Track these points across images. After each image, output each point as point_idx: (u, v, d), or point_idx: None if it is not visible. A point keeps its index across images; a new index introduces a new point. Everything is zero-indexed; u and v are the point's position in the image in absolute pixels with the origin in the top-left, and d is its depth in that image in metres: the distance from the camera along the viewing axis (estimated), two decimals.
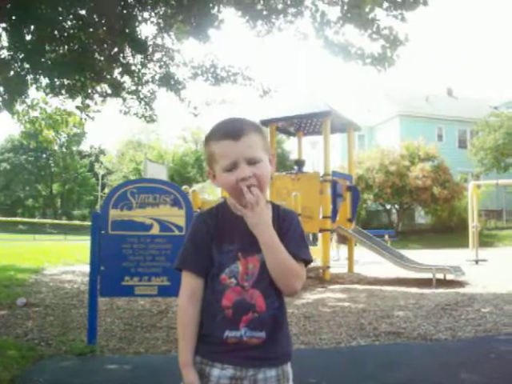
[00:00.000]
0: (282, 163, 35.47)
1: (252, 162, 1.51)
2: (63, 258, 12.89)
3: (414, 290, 8.23)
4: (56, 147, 51.78)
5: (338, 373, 3.70)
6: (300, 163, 11.19)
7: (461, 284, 8.94)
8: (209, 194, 13.10)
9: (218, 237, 1.56)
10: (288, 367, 1.59)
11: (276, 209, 1.62)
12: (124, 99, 9.97)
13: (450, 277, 9.34)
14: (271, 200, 1.66)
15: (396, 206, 29.89)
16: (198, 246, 1.56)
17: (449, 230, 27.81)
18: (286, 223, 1.58)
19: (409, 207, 30.18)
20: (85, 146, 61.96)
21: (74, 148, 57.33)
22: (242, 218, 1.52)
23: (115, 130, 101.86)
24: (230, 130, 1.52)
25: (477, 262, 13.79)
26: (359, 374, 3.69)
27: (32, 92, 9.79)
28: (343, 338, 4.82)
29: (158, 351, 4.30)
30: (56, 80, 9.13)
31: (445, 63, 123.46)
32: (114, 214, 4.28)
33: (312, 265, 10.33)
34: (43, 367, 3.79)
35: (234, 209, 1.56)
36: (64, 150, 55.10)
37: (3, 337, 4.55)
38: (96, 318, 4.38)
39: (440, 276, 9.24)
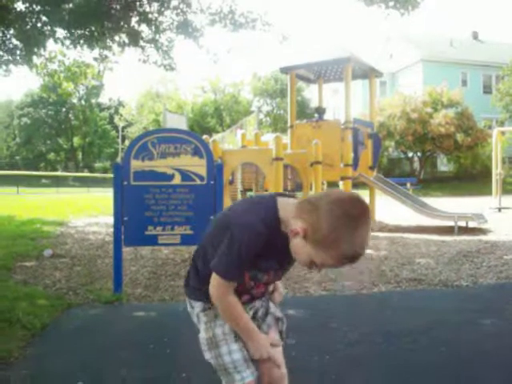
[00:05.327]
0: (302, 111, 35.07)
1: None
2: (87, 210, 13.10)
3: (435, 237, 8.21)
4: (75, 100, 51.89)
5: (359, 318, 3.75)
6: (321, 111, 11.03)
7: (483, 231, 8.90)
8: (229, 143, 13.05)
9: (259, 252, 1.58)
10: None
11: None
12: (142, 48, 9.85)
13: (472, 224, 9.30)
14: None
15: (418, 154, 29.53)
16: (246, 261, 1.58)
17: (472, 177, 27.50)
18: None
19: (431, 155, 29.80)
20: (104, 99, 61.94)
21: (93, 100, 57.31)
22: (284, 237, 1.54)
23: (133, 82, 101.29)
24: (361, 251, 1.45)
25: (500, 209, 13.68)
26: (380, 319, 3.74)
27: (49, 45, 9.75)
28: (365, 285, 4.86)
29: (183, 298, 4.38)
30: (73, 31, 9.04)
31: (470, 6, 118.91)
32: (136, 164, 4.30)
33: None
34: (72, 315, 3.91)
35: (283, 228, 1.55)
36: (83, 102, 55.15)
37: (32, 287, 4.68)
38: (121, 267, 4.48)
39: (462, 223, 9.19)
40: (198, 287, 1.75)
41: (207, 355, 1.74)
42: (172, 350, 3.09)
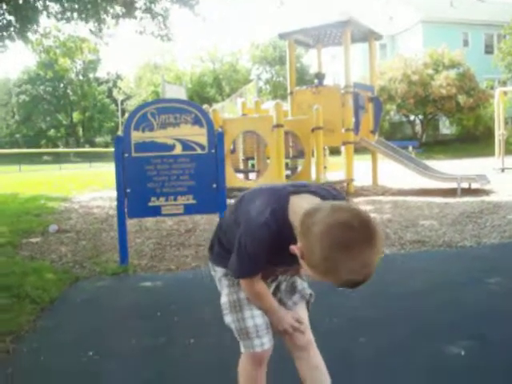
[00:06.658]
0: (302, 78, 34.74)
1: None
2: (90, 185, 13.12)
3: (438, 199, 8.21)
4: (73, 75, 51.42)
5: None
6: (320, 76, 10.93)
7: (486, 192, 8.89)
8: (229, 112, 12.96)
9: (269, 254, 1.55)
10: None
11: None
12: (138, 19, 9.71)
13: (475, 185, 9.29)
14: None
15: (420, 117, 29.35)
16: (258, 260, 1.56)
17: (474, 139, 27.39)
18: None
19: (433, 117, 29.63)
20: (101, 73, 61.31)
21: (91, 75, 56.76)
22: (292, 240, 1.42)
23: (131, 55, 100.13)
24: (363, 278, 1.30)
25: (503, 170, 13.65)
26: (385, 282, 3.75)
27: (44, 21, 9.63)
28: None
29: (188, 267, 4.43)
30: (66, 4, 8.92)
31: None
32: (136, 136, 4.28)
33: (335, 178, 10.37)
34: (80, 288, 3.94)
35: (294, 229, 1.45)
36: (81, 77, 54.65)
37: (39, 262, 4.71)
38: (126, 239, 4.50)
39: (465, 185, 9.18)
40: (221, 254, 1.76)
41: (228, 319, 1.75)
42: (179, 318, 3.13)
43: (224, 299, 1.77)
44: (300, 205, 1.45)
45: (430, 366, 2.37)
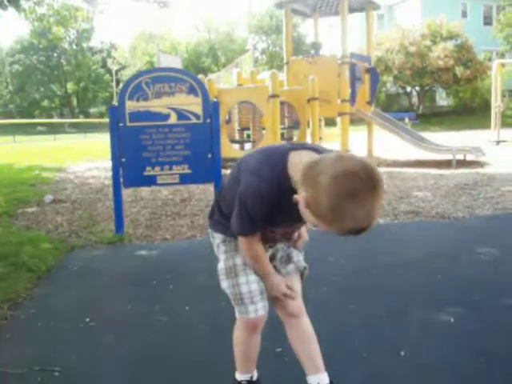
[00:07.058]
0: (298, 48, 34.38)
1: None
2: (85, 156, 13.07)
3: (433, 171, 8.24)
4: (66, 45, 50.70)
5: (356, 251, 3.78)
6: (317, 46, 10.84)
7: (481, 164, 8.93)
8: (224, 83, 12.85)
9: (269, 211, 1.55)
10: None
11: None
12: None
13: (470, 157, 9.31)
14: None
15: (416, 88, 29.21)
16: (259, 217, 1.57)
17: (471, 111, 27.30)
18: None
19: (430, 89, 29.48)
20: (95, 42, 60.39)
21: (85, 44, 55.95)
22: (292, 202, 1.41)
23: (125, 24, 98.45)
24: (367, 226, 1.32)
25: (498, 142, 13.65)
26: (378, 252, 3.80)
27: None
28: None
29: (184, 237, 4.46)
30: None
31: None
32: (131, 105, 4.26)
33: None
34: (76, 257, 3.97)
35: (293, 185, 1.46)
36: (74, 47, 53.87)
37: (35, 231, 4.73)
38: (122, 209, 4.52)
39: (460, 157, 9.20)
40: (221, 221, 1.77)
41: (223, 284, 1.77)
42: (175, 286, 3.17)
43: (221, 265, 1.79)
44: (300, 158, 1.46)
45: (419, 333, 2.42)
